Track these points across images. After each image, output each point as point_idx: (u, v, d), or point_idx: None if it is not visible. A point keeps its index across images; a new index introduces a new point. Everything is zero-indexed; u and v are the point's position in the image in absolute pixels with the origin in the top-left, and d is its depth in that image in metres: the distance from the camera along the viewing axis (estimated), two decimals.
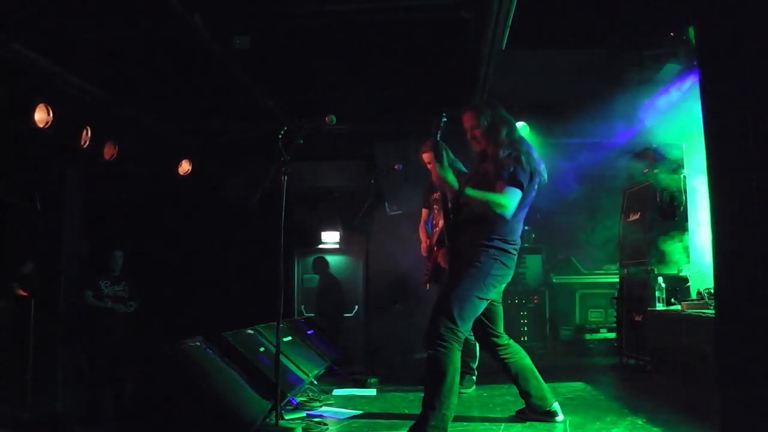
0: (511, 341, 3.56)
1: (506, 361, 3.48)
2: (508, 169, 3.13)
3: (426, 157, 4.61)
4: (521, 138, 3.38)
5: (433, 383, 2.99)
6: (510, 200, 3.09)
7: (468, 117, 3.35)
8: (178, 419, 3.13)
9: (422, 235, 4.71)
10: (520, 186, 3.12)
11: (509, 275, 3.30)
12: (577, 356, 6.10)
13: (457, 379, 3.03)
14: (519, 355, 3.51)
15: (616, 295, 5.87)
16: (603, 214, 6.35)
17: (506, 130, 3.28)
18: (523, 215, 3.31)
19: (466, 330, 3.11)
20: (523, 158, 3.17)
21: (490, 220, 3.17)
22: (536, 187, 3.29)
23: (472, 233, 3.22)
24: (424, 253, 4.60)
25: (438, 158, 3.18)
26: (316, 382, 4.87)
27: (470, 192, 3.11)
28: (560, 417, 3.43)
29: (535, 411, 3.45)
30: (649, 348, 5.08)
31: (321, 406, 4.07)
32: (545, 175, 3.32)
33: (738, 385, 2.00)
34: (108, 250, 5.98)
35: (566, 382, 4.83)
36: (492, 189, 3.14)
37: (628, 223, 5.81)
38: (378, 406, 4.18)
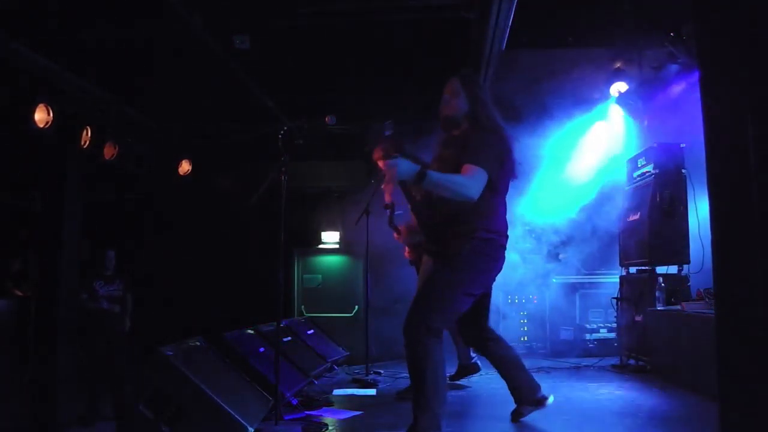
0: (497, 334, 3.44)
1: (495, 354, 3.38)
2: (475, 150, 2.92)
3: (381, 164, 4.51)
4: (497, 123, 3.14)
5: (416, 383, 2.87)
6: (474, 181, 2.84)
7: (452, 84, 3.16)
8: (177, 420, 3.13)
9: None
10: (485, 167, 2.88)
11: (498, 268, 3.12)
12: (577, 356, 6.09)
13: (441, 373, 2.89)
14: (506, 348, 3.41)
15: (616, 295, 5.86)
16: (603, 214, 6.34)
17: (484, 110, 3.10)
18: (503, 201, 3.12)
19: (443, 326, 2.97)
20: (492, 139, 2.99)
21: (470, 212, 2.96)
22: (514, 170, 3.10)
23: (454, 228, 3.02)
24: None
25: (385, 153, 2.90)
26: (316, 382, 4.87)
27: (434, 175, 2.78)
28: (551, 399, 3.38)
29: (528, 402, 3.37)
30: (649, 348, 5.09)
31: (321, 406, 4.06)
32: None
33: (738, 385, 1.99)
34: (102, 250, 5.96)
35: (566, 382, 4.83)
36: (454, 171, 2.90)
37: (628, 223, 5.81)
38: (378, 406, 4.18)
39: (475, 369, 4.68)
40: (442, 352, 2.91)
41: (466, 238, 2.99)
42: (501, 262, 3.13)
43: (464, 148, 2.98)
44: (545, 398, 3.39)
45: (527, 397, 3.38)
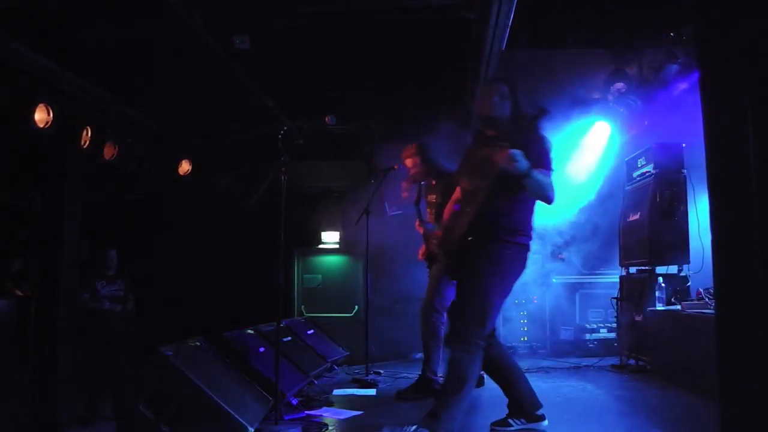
0: (498, 340, 3.38)
1: (494, 358, 3.25)
2: (539, 155, 3.02)
3: (409, 162, 4.60)
4: (538, 128, 3.20)
5: (453, 385, 2.91)
6: (553, 185, 3.03)
7: (501, 88, 3.18)
8: (177, 420, 3.13)
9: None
10: (551, 171, 3.05)
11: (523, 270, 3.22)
12: (577, 356, 6.09)
13: (474, 381, 2.97)
14: (508, 355, 3.35)
15: (616, 295, 5.87)
16: (603, 214, 6.34)
17: (527, 116, 3.16)
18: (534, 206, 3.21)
19: (490, 329, 3.04)
20: (544, 145, 3.09)
21: (513, 216, 3.07)
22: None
23: (493, 227, 3.06)
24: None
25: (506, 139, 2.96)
26: (316, 382, 4.87)
27: (536, 173, 2.91)
28: (546, 422, 3.25)
29: (527, 414, 3.23)
30: (649, 348, 5.09)
31: (321, 406, 4.07)
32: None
33: (738, 385, 1.99)
34: (104, 250, 5.97)
35: (566, 382, 4.83)
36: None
37: (628, 223, 5.81)
38: (378, 406, 4.18)
39: (480, 382, 4.67)
40: (481, 361, 3.00)
41: (505, 242, 3.06)
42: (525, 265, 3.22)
43: (530, 150, 3.00)
44: (542, 417, 3.24)
45: (528, 409, 3.24)
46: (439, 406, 2.92)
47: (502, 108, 3.18)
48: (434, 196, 4.56)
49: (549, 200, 3.02)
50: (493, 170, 2.96)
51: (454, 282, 4.40)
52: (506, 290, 3.10)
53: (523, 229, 3.12)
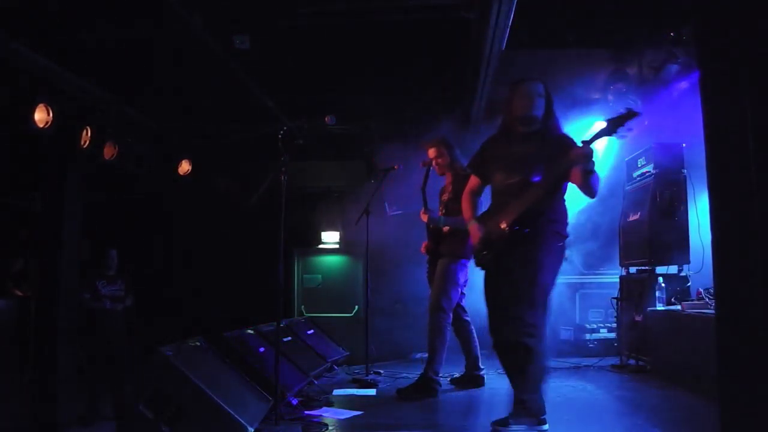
0: None
1: None
2: None
3: (432, 152, 4.64)
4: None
5: (537, 374, 3.03)
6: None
7: (538, 87, 3.29)
8: (177, 420, 3.13)
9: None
10: None
11: None
12: (577, 356, 6.09)
13: (544, 361, 3.13)
14: None
15: (616, 295, 5.86)
16: (603, 214, 6.34)
17: (556, 115, 3.32)
18: None
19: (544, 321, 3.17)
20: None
21: (556, 205, 3.20)
22: None
23: (546, 220, 3.17)
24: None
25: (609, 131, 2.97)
26: (316, 382, 4.87)
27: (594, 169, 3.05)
28: (547, 427, 3.22)
29: (529, 416, 3.19)
30: (649, 348, 5.09)
31: (321, 406, 4.07)
32: None
33: (738, 385, 2.00)
34: (104, 250, 5.97)
35: (566, 382, 4.83)
36: (549, 168, 3.09)
37: (628, 223, 5.81)
38: (378, 406, 4.18)
39: (479, 382, 4.68)
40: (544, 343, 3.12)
41: (556, 233, 3.19)
42: None
43: (559, 149, 3.09)
44: (545, 422, 3.23)
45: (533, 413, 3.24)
46: (530, 399, 3.03)
47: (540, 106, 3.27)
48: (447, 194, 4.60)
49: (595, 195, 3.12)
50: (558, 166, 3.03)
51: (460, 282, 4.46)
52: (555, 280, 3.25)
53: (565, 222, 3.27)
